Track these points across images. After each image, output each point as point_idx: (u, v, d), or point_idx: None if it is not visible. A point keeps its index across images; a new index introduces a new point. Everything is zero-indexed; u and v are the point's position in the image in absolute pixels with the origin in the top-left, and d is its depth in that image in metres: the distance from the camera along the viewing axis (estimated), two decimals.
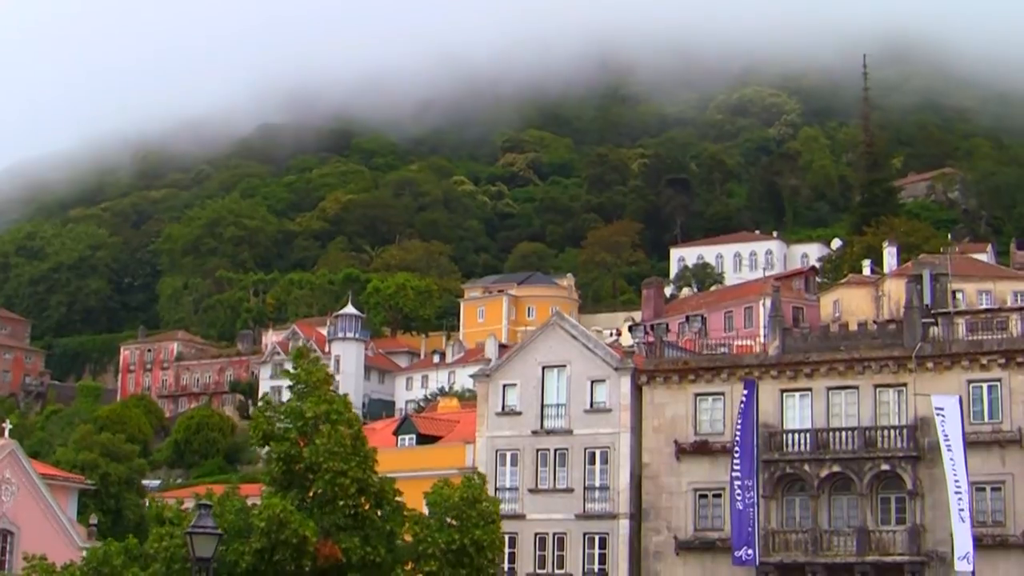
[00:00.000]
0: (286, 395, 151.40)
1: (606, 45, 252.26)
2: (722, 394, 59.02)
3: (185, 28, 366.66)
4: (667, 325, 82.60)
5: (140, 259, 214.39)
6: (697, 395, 59.48)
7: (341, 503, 36.24)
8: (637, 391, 60.48)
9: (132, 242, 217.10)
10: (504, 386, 62.76)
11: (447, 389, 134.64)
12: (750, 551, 49.00)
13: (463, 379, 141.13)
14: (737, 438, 46.53)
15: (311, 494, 37.39)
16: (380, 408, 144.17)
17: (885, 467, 55.66)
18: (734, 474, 45.57)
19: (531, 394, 62.00)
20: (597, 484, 60.03)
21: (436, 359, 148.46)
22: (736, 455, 46.01)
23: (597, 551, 59.66)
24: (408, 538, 38.21)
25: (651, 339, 63.49)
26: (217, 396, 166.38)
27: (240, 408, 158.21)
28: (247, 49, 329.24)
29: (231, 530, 34.86)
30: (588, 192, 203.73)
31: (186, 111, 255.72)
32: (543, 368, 61.97)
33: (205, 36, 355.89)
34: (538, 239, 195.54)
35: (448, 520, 37.93)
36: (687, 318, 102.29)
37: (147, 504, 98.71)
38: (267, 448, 38.96)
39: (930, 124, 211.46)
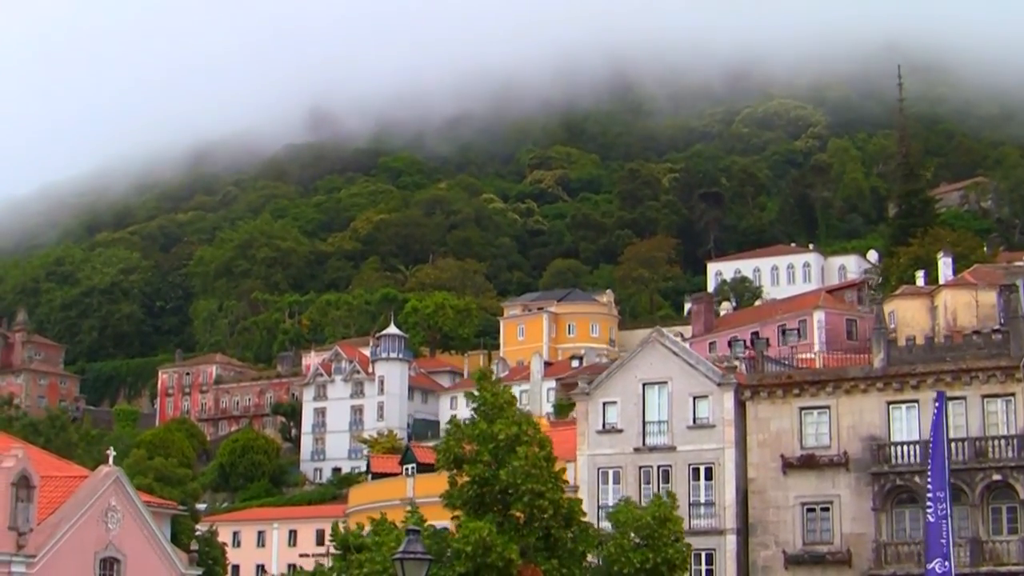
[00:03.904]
0: (331, 416, 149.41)
1: (628, 60, 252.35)
2: (827, 407, 59.30)
3: (208, 49, 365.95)
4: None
5: (172, 282, 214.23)
6: (802, 409, 59.69)
7: (535, 524, 36.24)
8: (740, 406, 60.59)
9: (163, 265, 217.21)
10: (604, 404, 62.77)
11: None
12: (945, 563, 48.97)
13: None
14: (930, 450, 46.59)
15: (504, 516, 37.23)
16: (425, 428, 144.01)
17: (996, 477, 55.74)
18: (929, 486, 45.64)
19: (632, 411, 61.98)
20: (702, 500, 60.05)
21: None
22: (929, 468, 46.10)
23: (704, 567, 59.60)
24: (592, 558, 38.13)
25: (751, 354, 63.43)
26: (258, 418, 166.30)
27: (283, 430, 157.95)
28: (270, 69, 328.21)
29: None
30: (620, 208, 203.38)
31: (211, 132, 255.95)
32: (643, 385, 61.96)
33: (228, 56, 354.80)
34: (571, 256, 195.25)
35: (635, 539, 37.89)
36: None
37: (200, 529, 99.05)
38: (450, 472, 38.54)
39: (958, 133, 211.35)
